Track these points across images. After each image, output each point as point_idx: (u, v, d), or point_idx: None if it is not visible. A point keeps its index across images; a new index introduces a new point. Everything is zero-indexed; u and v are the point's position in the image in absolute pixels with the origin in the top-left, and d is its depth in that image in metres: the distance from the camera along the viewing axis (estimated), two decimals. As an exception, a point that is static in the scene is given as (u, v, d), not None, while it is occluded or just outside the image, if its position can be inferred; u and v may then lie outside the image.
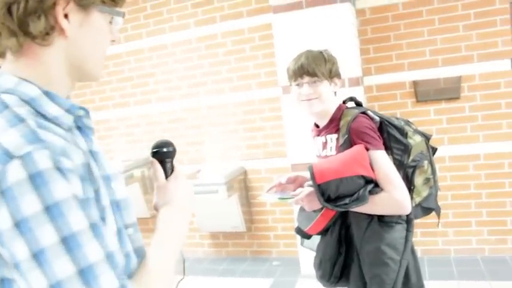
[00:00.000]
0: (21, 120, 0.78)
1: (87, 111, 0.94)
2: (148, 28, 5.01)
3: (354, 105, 2.12)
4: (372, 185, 1.85)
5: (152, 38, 5.00)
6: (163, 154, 1.15)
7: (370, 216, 1.93)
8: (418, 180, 1.98)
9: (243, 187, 4.75)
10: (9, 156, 0.73)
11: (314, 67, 1.97)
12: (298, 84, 2.03)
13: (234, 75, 4.72)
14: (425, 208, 2.05)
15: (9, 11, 0.82)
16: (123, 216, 0.94)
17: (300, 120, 3.48)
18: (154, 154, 1.15)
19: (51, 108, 0.85)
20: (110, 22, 0.96)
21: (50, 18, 0.84)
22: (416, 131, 2.05)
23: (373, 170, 1.86)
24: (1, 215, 0.72)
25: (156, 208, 1.10)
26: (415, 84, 4.17)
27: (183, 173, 1.16)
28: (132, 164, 4.91)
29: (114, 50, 5.08)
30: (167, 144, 1.16)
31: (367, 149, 1.87)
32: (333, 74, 2.02)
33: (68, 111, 0.88)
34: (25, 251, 0.73)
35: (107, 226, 0.86)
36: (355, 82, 3.99)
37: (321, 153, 2.10)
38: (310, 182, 1.89)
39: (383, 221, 1.92)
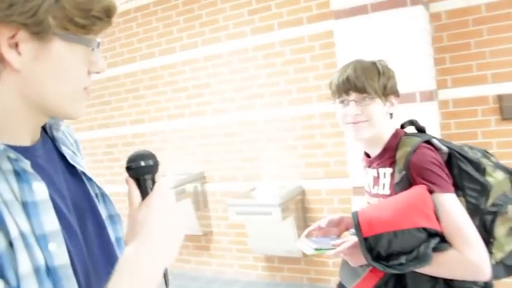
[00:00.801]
0: None
1: (19, 154, 0.75)
2: (204, 36, 4.81)
3: (415, 130, 1.68)
4: (437, 239, 1.41)
5: (207, 46, 4.80)
6: (138, 170, 0.87)
7: (434, 278, 1.48)
8: (500, 230, 1.51)
9: (300, 208, 4.37)
10: None
11: (364, 81, 1.57)
12: (342, 102, 1.63)
13: (293, 87, 4.39)
14: (510, 267, 1.56)
15: None
16: None
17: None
18: (128, 170, 0.87)
19: None
20: (93, 49, 0.80)
21: None
22: (498, 166, 1.58)
23: (438, 219, 1.42)
24: None
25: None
26: (500, 98, 3.64)
27: (164, 190, 0.87)
28: (185, 179, 4.75)
29: (169, 60, 5.00)
30: (145, 156, 0.88)
31: (431, 192, 1.43)
32: (388, 91, 1.61)
33: None
34: None
35: None
36: (428, 96, 3.53)
37: (371, 189, 1.68)
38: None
39: (451, 285, 1.47)
